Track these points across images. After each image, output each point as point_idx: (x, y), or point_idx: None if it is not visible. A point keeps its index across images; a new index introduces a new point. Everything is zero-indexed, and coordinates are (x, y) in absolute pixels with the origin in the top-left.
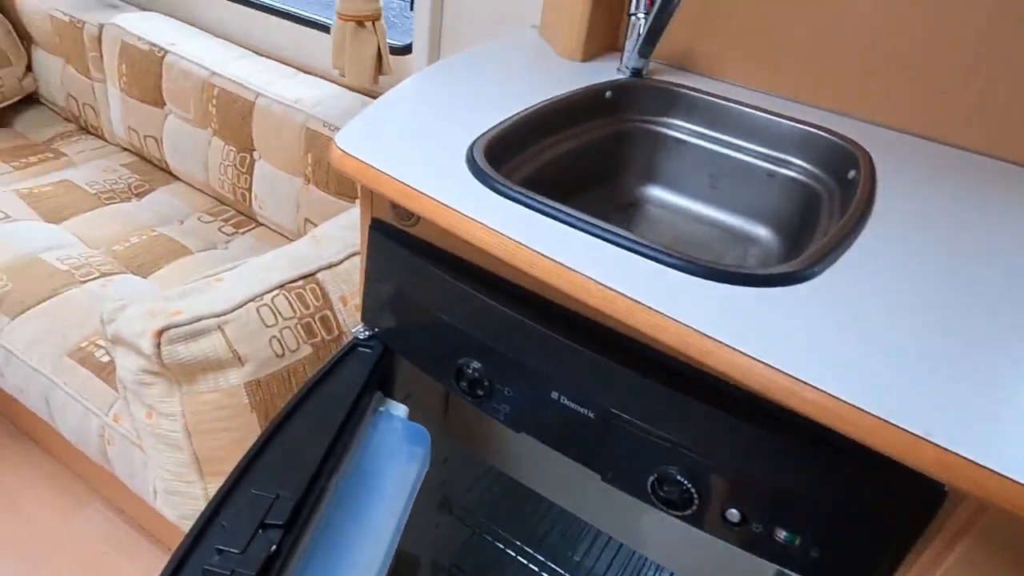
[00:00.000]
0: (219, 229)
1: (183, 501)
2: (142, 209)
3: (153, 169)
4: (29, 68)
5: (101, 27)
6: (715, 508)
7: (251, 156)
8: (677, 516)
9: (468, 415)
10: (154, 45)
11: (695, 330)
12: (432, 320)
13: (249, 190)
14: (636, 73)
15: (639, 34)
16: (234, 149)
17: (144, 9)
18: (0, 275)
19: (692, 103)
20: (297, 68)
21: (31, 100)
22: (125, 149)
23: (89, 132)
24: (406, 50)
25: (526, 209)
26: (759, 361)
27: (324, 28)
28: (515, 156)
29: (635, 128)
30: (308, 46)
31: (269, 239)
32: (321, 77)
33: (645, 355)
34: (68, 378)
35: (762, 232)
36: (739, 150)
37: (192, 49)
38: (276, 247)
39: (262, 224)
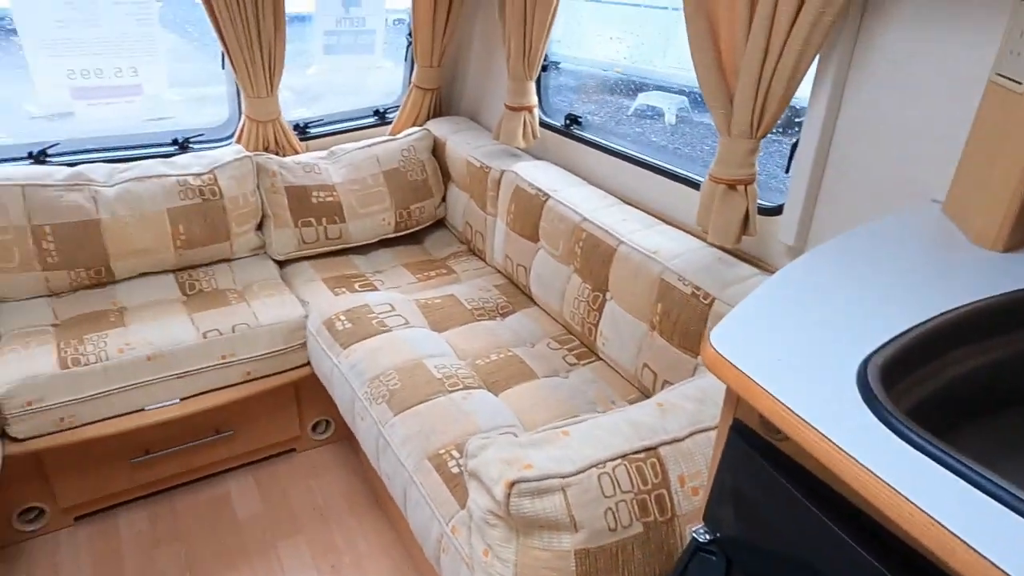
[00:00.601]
0: (563, 357)
1: None
2: (503, 328)
3: (518, 293)
4: (443, 199)
5: (502, 172)
6: None
7: (603, 296)
8: None
9: None
10: (540, 190)
11: None
12: (786, 552)
13: (596, 326)
14: None
15: None
16: (589, 287)
17: (538, 158)
18: (393, 374)
19: None
20: (661, 219)
21: (439, 224)
22: (499, 272)
23: (475, 254)
24: (776, 211)
25: (932, 462)
26: None
27: (693, 185)
28: (913, 372)
29: None
30: (675, 199)
31: (606, 375)
32: (682, 230)
33: None
34: (424, 479)
35: None
36: None
37: (570, 196)
38: (611, 384)
39: (602, 359)
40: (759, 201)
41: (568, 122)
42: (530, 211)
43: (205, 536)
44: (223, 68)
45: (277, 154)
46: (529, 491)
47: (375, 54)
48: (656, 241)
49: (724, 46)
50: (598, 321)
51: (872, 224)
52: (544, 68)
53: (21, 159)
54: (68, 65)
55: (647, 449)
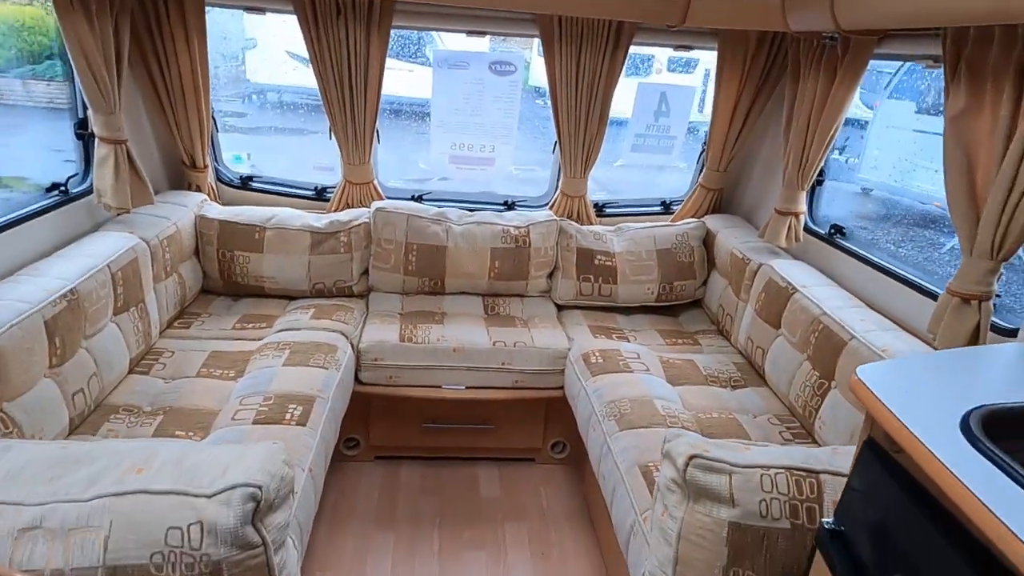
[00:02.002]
0: (780, 432)
1: None
2: (732, 397)
3: (752, 372)
4: (704, 283)
5: (760, 265)
6: None
7: (829, 384)
8: None
9: None
10: (790, 283)
11: None
12: (893, 542)
13: (817, 410)
14: None
15: None
16: (817, 374)
17: (797, 259)
18: (627, 402)
19: None
20: (897, 323)
21: (697, 304)
22: (739, 352)
23: (722, 334)
24: (1011, 333)
25: (1001, 472)
26: None
27: (931, 295)
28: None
29: None
30: (914, 306)
31: None
32: (915, 335)
33: None
34: (631, 480)
35: None
36: None
37: (816, 293)
38: None
39: (816, 442)
40: (996, 320)
41: (832, 231)
42: (777, 301)
43: (456, 500)
44: (552, 152)
45: (577, 222)
46: (702, 466)
47: (672, 155)
48: (886, 340)
49: (976, 175)
50: (819, 406)
51: None
52: (820, 182)
53: (406, 198)
54: (452, 139)
55: (810, 471)
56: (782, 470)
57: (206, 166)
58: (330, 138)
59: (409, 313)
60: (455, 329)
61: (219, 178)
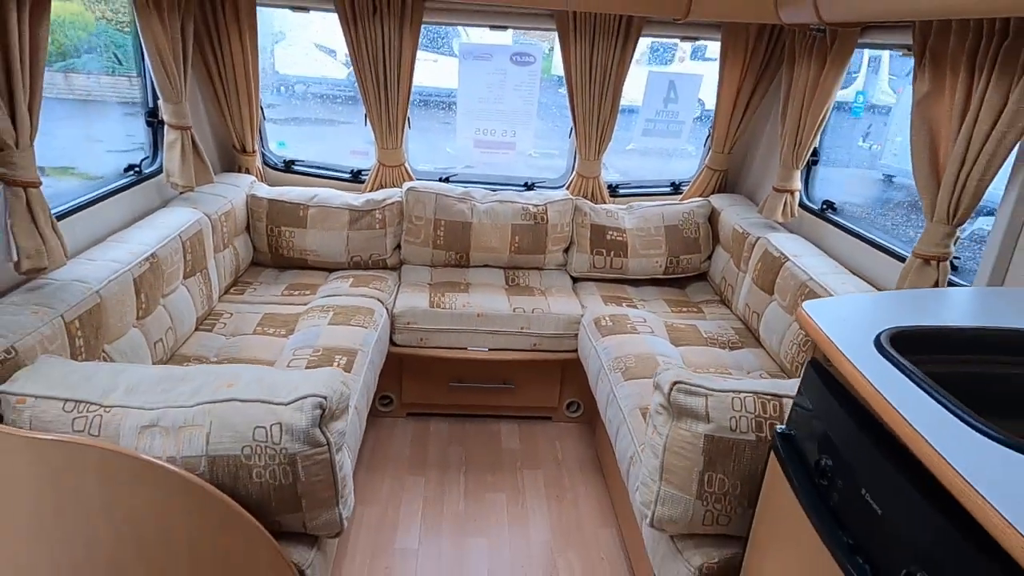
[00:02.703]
0: None
1: (647, 492)
2: (729, 356)
3: (749, 336)
4: (709, 257)
5: (757, 239)
6: None
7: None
8: None
9: None
10: (783, 254)
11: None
12: (822, 435)
13: (803, 365)
14: None
15: None
16: (803, 333)
17: (792, 232)
18: (632, 357)
19: None
20: (875, 285)
21: (702, 277)
22: (739, 318)
23: (724, 304)
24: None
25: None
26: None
27: (903, 260)
28: (929, 353)
29: None
30: (892, 271)
31: None
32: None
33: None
34: (633, 421)
35: None
36: None
37: (806, 262)
38: None
39: None
40: (954, 278)
41: (824, 207)
42: (771, 270)
43: (480, 450)
44: (569, 136)
45: (592, 201)
46: (684, 390)
47: (681, 139)
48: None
49: (938, 152)
50: (805, 361)
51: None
52: (815, 162)
53: (433, 179)
54: (477, 125)
55: (774, 395)
56: (750, 394)
57: (255, 151)
58: (365, 124)
59: (437, 283)
60: (479, 297)
61: (265, 162)
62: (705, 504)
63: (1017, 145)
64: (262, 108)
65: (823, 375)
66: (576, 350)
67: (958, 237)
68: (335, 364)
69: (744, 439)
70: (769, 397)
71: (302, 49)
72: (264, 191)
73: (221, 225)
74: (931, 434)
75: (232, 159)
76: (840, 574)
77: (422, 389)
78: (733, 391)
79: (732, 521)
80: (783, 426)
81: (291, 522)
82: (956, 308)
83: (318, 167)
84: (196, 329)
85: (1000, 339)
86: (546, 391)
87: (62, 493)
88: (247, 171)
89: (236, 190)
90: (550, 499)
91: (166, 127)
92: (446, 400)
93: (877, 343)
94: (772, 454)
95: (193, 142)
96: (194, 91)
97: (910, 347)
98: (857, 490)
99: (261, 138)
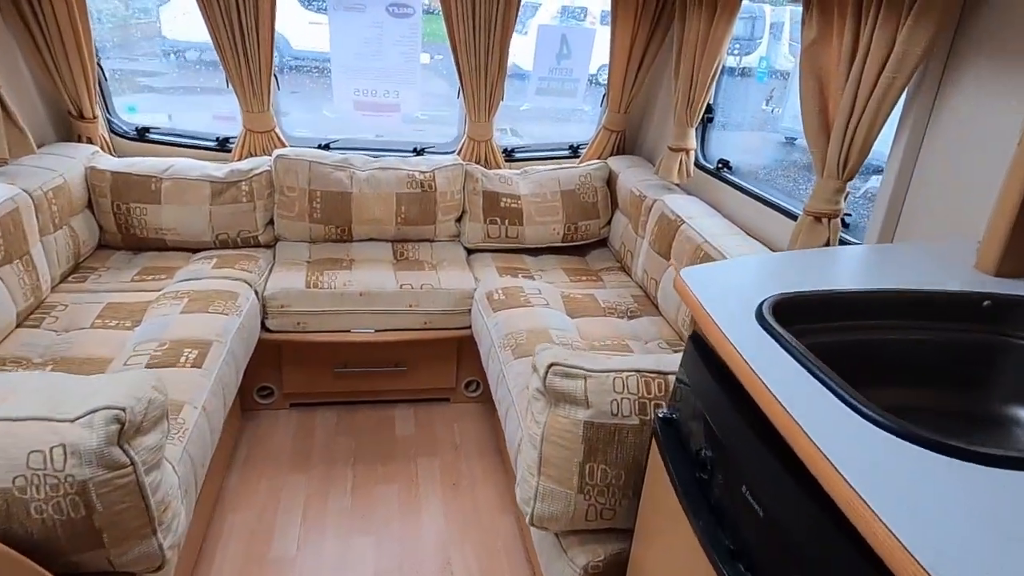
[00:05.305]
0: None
1: (526, 488)
2: (626, 326)
3: (649, 303)
4: (609, 222)
5: (654, 201)
6: None
7: None
8: None
9: None
10: (678, 216)
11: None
12: (703, 420)
13: None
14: None
15: None
16: None
17: (690, 194)
18: (524, 333)
19: None
20: (769, 246)
21: (602, 243)
22: (638, 285)
23: (624, 271)
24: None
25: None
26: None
27: (795, 217)
28: (810, 322)
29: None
30: (786, 230)
31: None
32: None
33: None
34: (521, 403)
35: None
36: None
37: (702, 224)
38: None
39: None
40: (845, 236)
41: (720, 166)
42: (667, 233)
43: (370, 440)
44: (458, 98)
45: (485, 167)
46: (560, 372)
47: (577, 98)
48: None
49: (828, 102)
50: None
51: (909, 244)
52: (710, 120)
53: (312, 147)
54: (355, 85)
55: (659, 373)
56: (633, 373)
57: (95, 116)
58: (227, 86)
59: (317, 260)
60: (362, 274)
61: (112, 130)
62: (587, 498)
63: (903, 97)
64: (100, 66)
65: (702, 350)
66: (471, 327)
67: (848, 192)
68: (182, 359)
69: (627, 424)
70: (653, 375)
71: (190, 10)
72: (107, 162)
73: (49, 203)
74: (807, 420)
75: (70, 127)
76: None
77: (305, 377)
78: (615, 370)
79: (617, 514)
80: (665, 409)
81: (93, 561)
82: (845, 269)
83: (177, 134)
84: (18, 326)
85: (886, 301)
86: (442, 371)
87: None
88: (89, 140)
89: (71, 162)
90: (445, 486)
91: None
92: (332, 388)
93: (759, 313)
94: (653, 441)
95: (3, 103)
96: (10, 45)
97: (794, 315)
98: (738, 486)
99: (104, 102)
